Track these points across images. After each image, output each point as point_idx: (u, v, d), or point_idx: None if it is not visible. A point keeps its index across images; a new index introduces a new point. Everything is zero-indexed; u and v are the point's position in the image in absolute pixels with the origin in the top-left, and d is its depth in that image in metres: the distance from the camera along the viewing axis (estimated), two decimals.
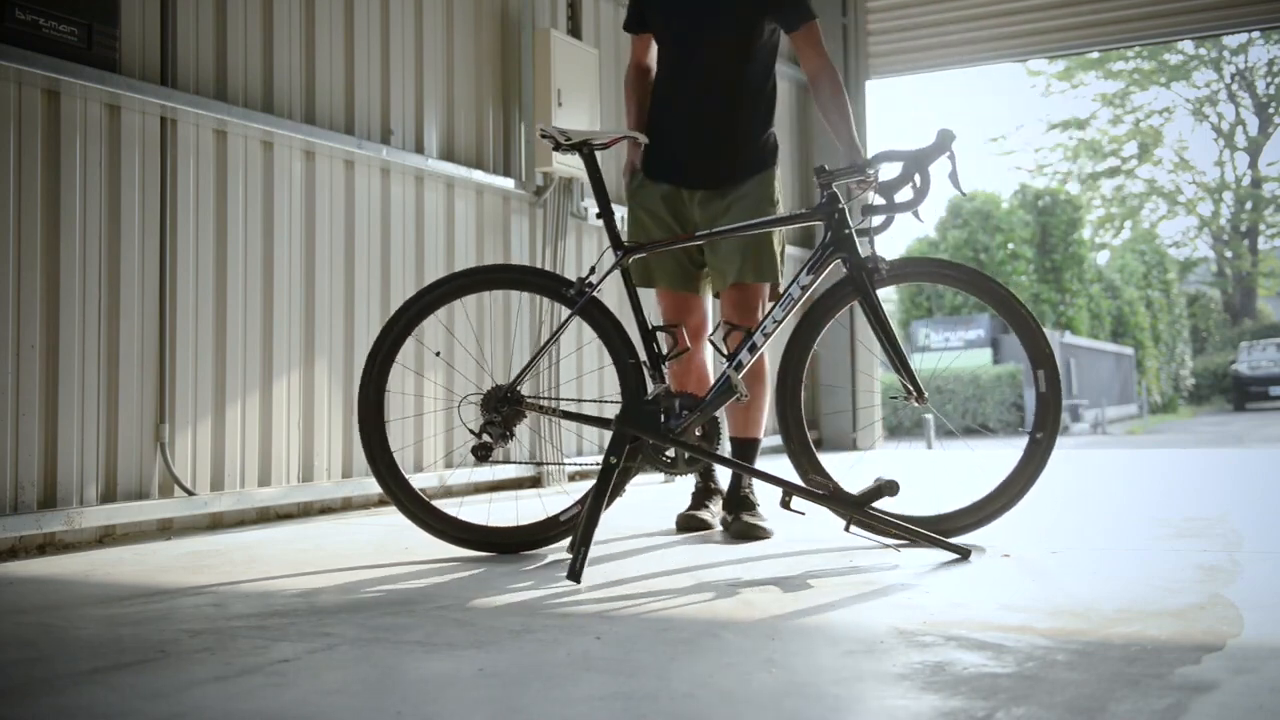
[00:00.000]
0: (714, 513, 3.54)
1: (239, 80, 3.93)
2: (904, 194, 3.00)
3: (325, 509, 4.24)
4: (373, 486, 4.38)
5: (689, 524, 3.49)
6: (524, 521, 3.12)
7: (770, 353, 3.18)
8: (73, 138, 3.39)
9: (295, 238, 4.15)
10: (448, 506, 3.15)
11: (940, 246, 21.29)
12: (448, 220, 4.87)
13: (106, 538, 3.48)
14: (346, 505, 4.36)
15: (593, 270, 3.10)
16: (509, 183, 5.12)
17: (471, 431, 3.00)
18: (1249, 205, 31.48)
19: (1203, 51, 29.45)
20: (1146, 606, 2.23)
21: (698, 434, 3.02)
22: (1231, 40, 28.47)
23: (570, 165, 5.29)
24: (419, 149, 4.73)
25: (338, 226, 4.33)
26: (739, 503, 3.38)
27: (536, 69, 5.23)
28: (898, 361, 3.05)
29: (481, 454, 2.96)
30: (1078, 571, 2.71)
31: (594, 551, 3.08)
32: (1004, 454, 3.29)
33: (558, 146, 3.10)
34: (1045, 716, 1.52)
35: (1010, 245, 21.07)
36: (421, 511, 3.05)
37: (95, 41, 3.37)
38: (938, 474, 5.43)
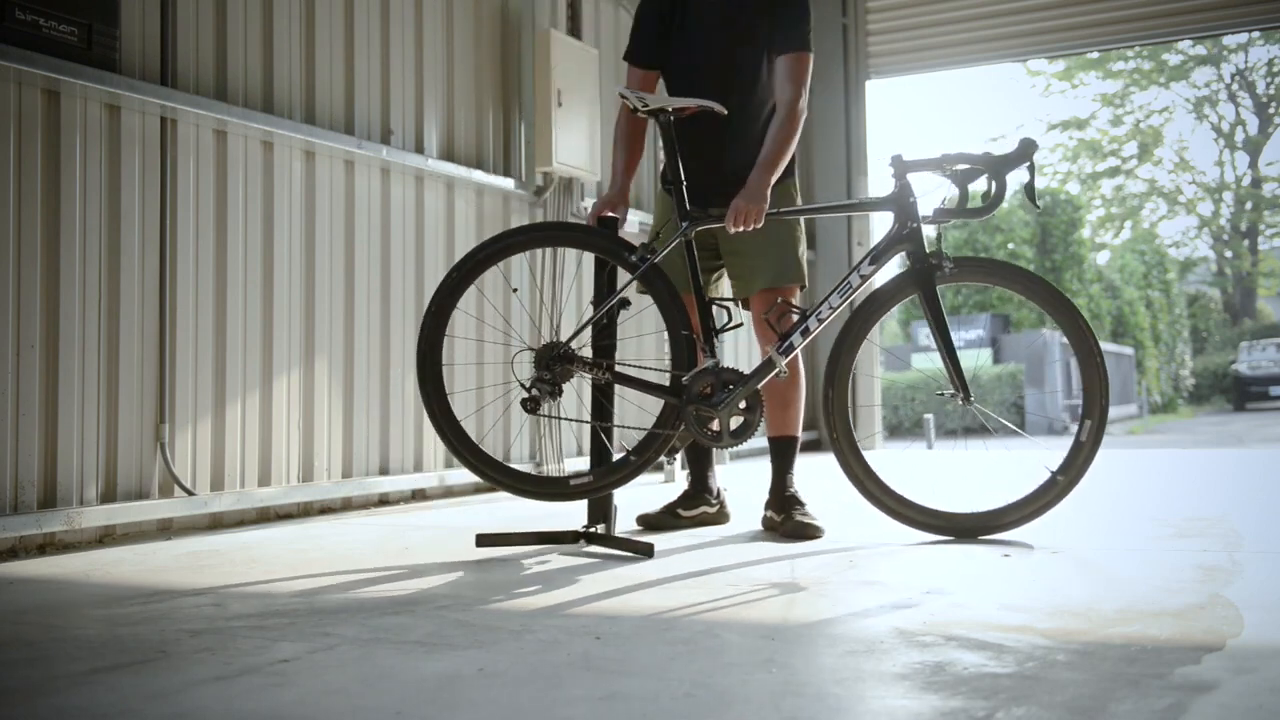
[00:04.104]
0: (685, 515, 3.54)
1: (239, 80, 3.93)
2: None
3: (325, 509, 4.24)
4: (373, 486, 4.40)
5: (648, 523, 3.51)
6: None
7: (821, 344, 3.22)
8: (73, 138, 3.39)
9: (295, 238, 4.15)
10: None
11: (940, 246, 21.27)
12: (448, 220, 4.87)
13: (106, 538, 3.48)
14: (346, 505, 4.36)
15: (657, 235, 3.12)
16: (509, 183, 5.12)
17: (523, 385, 3.02)
18: (1249, 205, 31.47)
19: (1201, 51, 29.44)
20: (1146, 606, 2.23)
21: (741, 407, 3.05)
22: (1231, 40, 28.47)
23: (570, 165, 5.29)
24: (419, 149, 4.73)
25: (338, 226, 4.33)
26: (787, 501, 3.36)
27: (536, 69, 5.23)
28: (950, 360, 3.07)
29: (530, 408, 3.00)
30: (1078, 571, 2.71)
31: (592, 551, 3.08)
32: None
33: (634, 110, 3.10)
34: (1045, 716, 1.52)
35: (1010, 245, 21.07)
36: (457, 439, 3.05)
37: (95, 41, 3.37)
38: (937, 475, 5.42)
